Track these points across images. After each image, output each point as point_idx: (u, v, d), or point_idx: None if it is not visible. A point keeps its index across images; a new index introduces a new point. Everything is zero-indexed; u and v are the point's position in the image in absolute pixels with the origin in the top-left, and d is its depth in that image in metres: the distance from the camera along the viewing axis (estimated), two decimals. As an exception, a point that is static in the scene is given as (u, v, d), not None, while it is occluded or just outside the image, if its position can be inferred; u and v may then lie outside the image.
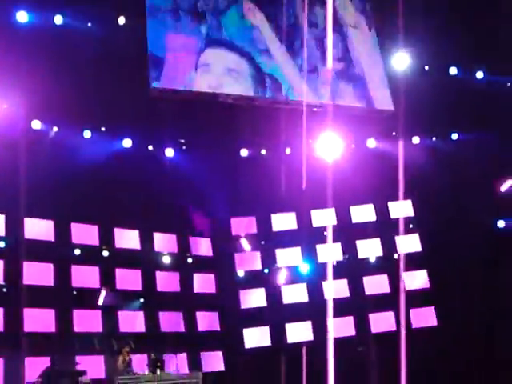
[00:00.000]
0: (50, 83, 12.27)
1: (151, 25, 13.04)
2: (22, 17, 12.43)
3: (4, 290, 12.74)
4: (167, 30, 13.26)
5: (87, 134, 13.59)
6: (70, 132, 13.41)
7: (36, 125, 13.09)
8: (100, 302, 13.39)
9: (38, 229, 13.06)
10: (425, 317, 14.34)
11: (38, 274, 12.89)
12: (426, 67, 14.10)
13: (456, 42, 13.49)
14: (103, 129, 13.71)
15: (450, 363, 13.73)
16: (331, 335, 10.59)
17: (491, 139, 14.18)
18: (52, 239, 13.18)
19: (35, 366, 12.01)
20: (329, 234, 14.22)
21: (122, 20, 13.08)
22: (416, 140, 14.78)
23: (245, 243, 14.86)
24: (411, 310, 14.26)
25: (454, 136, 14.78)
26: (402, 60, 13.79)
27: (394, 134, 14.39)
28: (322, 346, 13.63)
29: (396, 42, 13.74)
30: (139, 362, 12.54)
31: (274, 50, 13.92)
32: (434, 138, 14.87)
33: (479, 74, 14.22)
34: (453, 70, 14.13)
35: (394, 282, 14.31)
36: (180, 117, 13.52)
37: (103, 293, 13.41)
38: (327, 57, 13.83)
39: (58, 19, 12.68)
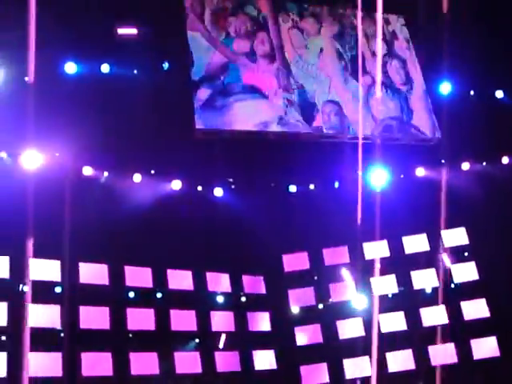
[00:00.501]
0: (99, 130, 12.61)
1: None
2: (71, 68, 12.86)
3: (61, 334, 12.90)
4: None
5: (137, 177, 13.86)
6: (121, 176, 13.70)
7: (87, 171, 13.43)
8: None
9: (92, 273, 13.25)
10: (486, 347, 13.94)
11: (94, 318, 13.06)
12: (472, 92, 13.98)
13: (500, 65, 13.36)
14: (153, 172, 13.97)
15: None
16: (374, 369, 10.37)
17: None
18: (106, 283, 13.34)
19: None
20: (376, 266, 14.03)
21: (166, 65, 13.41)
22: (466, 166, 14.60)
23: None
24: (471, 341, 13.90)
25: (505, 160, 14.55)
26: (446, 86, 13.72)
27: (442, 161, 14.23)
28: (381, 381, 13.36)
29: (440, 68, 13.67)
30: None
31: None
32: (483, 163, 14.68)
33: (526, 96, 14.08)
34: (498, 94, 13.98)
35: (453, 311, 13.99)
36: (227, 156, 13.64)
37: None
38: (376, 85, 13.88)
39: (105, 67, 13.07)
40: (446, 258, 14.32)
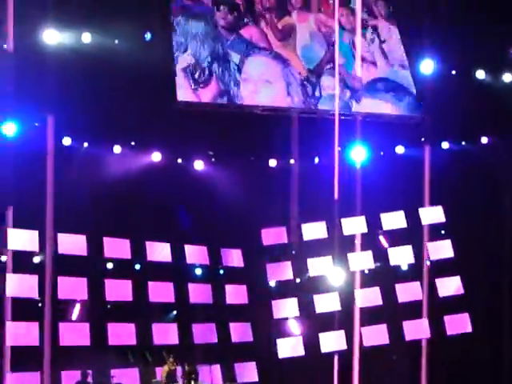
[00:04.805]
0: (79, 100, 12.51)
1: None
2: (51, 35, 12.66)
3: (39, 304, 12.92)
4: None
5: (117, 149, 13.79)
6: (100, 147, 13.61)
7: (67, 141, 13.32)
8: None
9: (71, 244, 13.23)
10: (459, 323, 14.20)
11: (72, 288, 13.09)
12: (453, 72, 14.00)
13: (482, 46, 13.39)
14: (133, 143, 13.90)
15: (483, 370, 13.57)
16: (356, 344, 10.57)
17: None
18: (85, 254, 13.34)
19: (71, 379, 12.18)
20: (358, 241, 14.16)
21: (148, 36, 13.24)
22: (445, 145, 14.71)
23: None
24: (445, 317, 14.15)
25: (484, 140, 14.67)
26: (428, 65, 13.73)
27: (422, 139, 14.28)
28: (357, 355, 13.60)
29: (422, 46, 13.67)
30: (173, 374, 12.61)
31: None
32: (463, 143, 14.79)
33: (507, 77, 14.08)
34: (480, 74, 14.01)
35: (427, 289, 14.20)
36: (208, 129, 13.60)
37: None
38: (356, 63, 13.85)
39: (86, 37, 12.89)
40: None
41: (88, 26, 12.88)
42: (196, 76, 13.18)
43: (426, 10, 12.83)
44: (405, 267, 14.66)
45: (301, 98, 13.57)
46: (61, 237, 13.10)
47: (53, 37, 12.64)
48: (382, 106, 13.87)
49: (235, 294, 14.55)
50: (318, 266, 14.66)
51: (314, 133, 13.80)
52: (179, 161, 14.46)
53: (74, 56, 12.67)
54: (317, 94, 13.64)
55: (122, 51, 13.01)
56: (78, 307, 13.18)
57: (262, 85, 13.58)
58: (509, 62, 13.85)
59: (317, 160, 14.87)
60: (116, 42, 13.10)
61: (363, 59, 13.98)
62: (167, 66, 13.00)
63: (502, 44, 13.42)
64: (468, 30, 13.12)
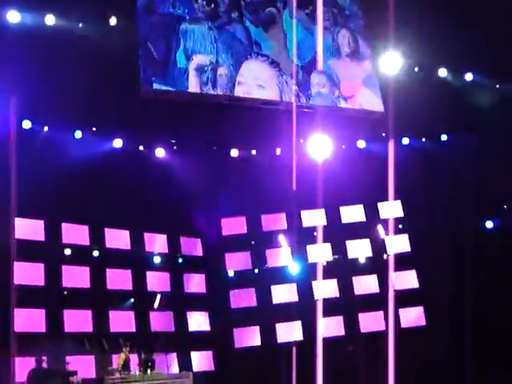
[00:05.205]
0: (41, 83, 12.28)
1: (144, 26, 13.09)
2: (13, 16, 12.40)
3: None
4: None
5: (78, 134, 13.62)
6: (61, 132, 13.43)
7: (26, 124, 13.10)
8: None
9: (28, 229, 13.04)
10: (414, 317, 14.47)
11: (28, 273, 12.91)
12: (416, 69, 14.18)
13: (445, 44, 13.57)
14: (94, 129, 13.74)
15: (437, 362, 13.86)
16: (320, 335, 10.59)
17: (479, 140, 14.29)
18: (42, 239, 13.17)
19: (25, 366, 12.02)
20: (319, 234, 14.28)
21: (113, 20, 13.06)
22: (406, 141, 14.91)
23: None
24: (400, 310, 14.38)
25: (443, 137, 14.93)
26: (392, 61, 13.86)
27: (383, 134, 14.45)
28: (312, 346, 13.72)
29: (386, 43, 13.79)
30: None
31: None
32: (423, 139, 15.02)
33: (468, 76, 14.34)
34: (442, 72, 14.22)
35: (384, 282, 14.40)
36: (171, 117, 13.53)
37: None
38: (318, 57, 13.93)
39: (49, 19, 12.66)
40: (380, 230, 14.69)
41: (51, 8, 12.65)
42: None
43: (391, 6, 12.92)
44: (362, 260, 14.88)
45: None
46: (18, 221, 12.92)
47: (15, 18, 12.38)
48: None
49: (194, 282, 14.58)
50: (276, 256, 14.80)
51: (277, 124, 13.81)
52: (141, 148, 14.38)
53: (36, 38, 12.43)
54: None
55: (86, 35, 12.83)
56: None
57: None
58: (470, 61, 14.07)
59: (278, 151, 14.94)
60: (80, 25, 12.90)
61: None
62: (132, 52, 12.83)
63: (465, 43, 13.60)
64: (432, 27, 13.27)
